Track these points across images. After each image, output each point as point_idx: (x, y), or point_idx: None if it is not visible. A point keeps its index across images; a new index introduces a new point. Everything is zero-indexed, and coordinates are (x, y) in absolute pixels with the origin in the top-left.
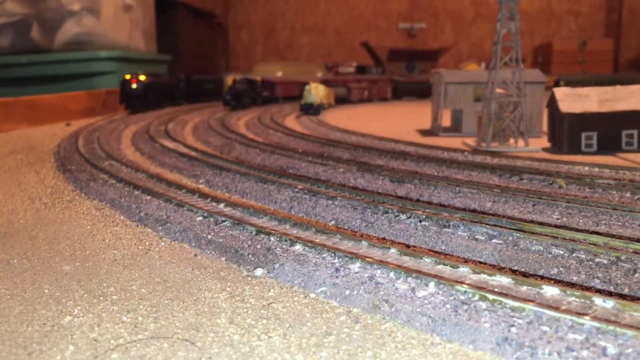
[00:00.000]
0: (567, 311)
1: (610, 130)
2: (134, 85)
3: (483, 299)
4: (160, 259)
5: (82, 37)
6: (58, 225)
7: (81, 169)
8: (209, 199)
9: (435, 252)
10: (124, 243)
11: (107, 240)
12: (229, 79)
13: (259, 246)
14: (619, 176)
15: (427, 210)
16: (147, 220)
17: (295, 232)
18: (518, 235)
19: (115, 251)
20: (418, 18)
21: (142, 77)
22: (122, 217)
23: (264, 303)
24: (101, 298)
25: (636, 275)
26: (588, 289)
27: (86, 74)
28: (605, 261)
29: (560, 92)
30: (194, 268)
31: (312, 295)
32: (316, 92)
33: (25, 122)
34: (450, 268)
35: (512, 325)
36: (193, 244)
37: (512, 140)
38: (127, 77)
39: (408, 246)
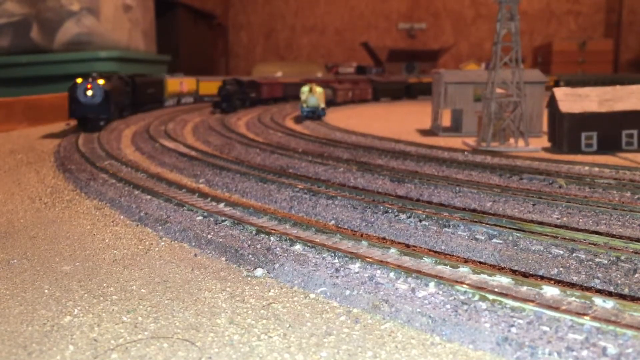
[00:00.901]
0: (567, 311)
1: (610, 130)
2: (90, 93)
3: (483, 299)
4: (160, 259)
5: (81, 37)
6: (58, 225)
7: (81, 169)
8: (209, 199)
9: (435, 252)
10: (124, 243)
11: (107, 240)
12: (169, 82)
13: (259, 246)
14: (619, 176)
15: (427, 210)
16: (147, 220)
17: (295, 231)
18: (518, 235)
19: (115, 251)
20: (418, 18)
21: (101, 81)
22: (122, 217)
23: (264, 303)
24: (101, 298)
25: (636, 275)
26: (588, 289)
27: (86, 74)
28: (605, 261)
29: (560, 92)
30: (194, 268)
31: (312, 296)
32: (318, 95)
33: (26, 122)
34: (450, 268)
35: (512, 325)
36: (193, 244)
37: (512, 140)
38: (79, 80)
39: (408, 246)
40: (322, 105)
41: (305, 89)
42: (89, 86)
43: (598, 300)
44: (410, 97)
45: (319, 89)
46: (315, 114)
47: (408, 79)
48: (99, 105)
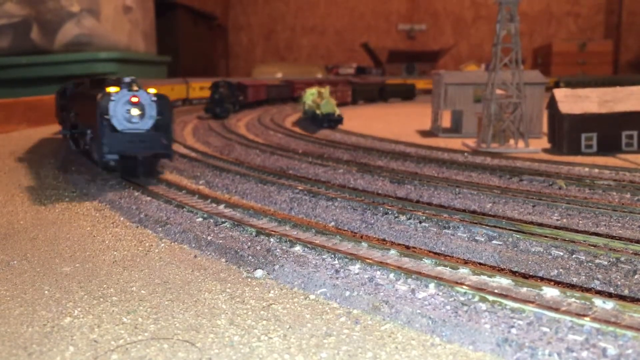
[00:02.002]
0: (567, 312)
1: (610, 131)
2: (137, 112)
3: (483, 300)
4: (160, 260)
5: (81, 38)
6: (58, 227)
7: (81, 170)
8: (209, 200)
9: (435, 253)
10: (124, 244)
11: (107, 242)
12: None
13: (258, 247)
14: (618, 177)
15: (427, 212)
16: (147, 222)
17: (295, 233)
18: (518, 236)
19: (115, 252)
20: (418, 19)
21: (152, 90)
22: (122, 218)
23: (264, 304)
24: (101, 299)
25: (636, 277)
26: (588, 290)
27: (86, 75)
28: (605, 262)
29: (560, 93)
30: (194, 269)
31: (312, 297)
32: (331, 99)
33: (26, 123)
34: (450, 269)
35: (512, 327)
36: (193, 245)
37: (512, 141)
38: (113, 89)
39: (408, 247)
40: (339, 112)
41: (311, 91)
42: (134, 100)
43: (598, 302)
44: (383, 99)
45: (327, 92)
46: (332, 122)
47: (385, 81)
48: (151, 133)
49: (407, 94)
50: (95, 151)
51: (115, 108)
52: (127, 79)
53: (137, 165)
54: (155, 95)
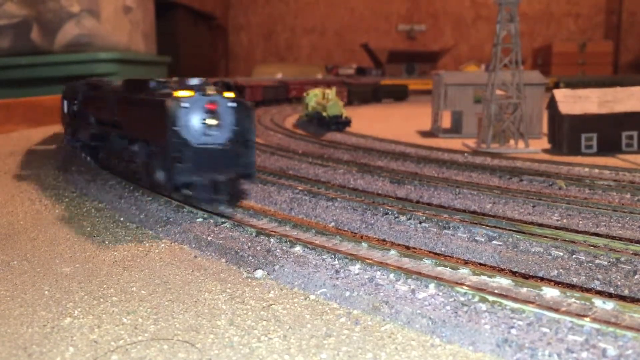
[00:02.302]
0: (567, 313)
1: (610, 132)
2: (215, 121)
3: (483, 300)
4: (160, 261)
5: (82, 38)
6: (58, 227)
7: (81, 170)
8: None
9: (435, 253)
10: (124, 244)
11: (107, 242)
12: None
13: (259, 248)
14: (618, 177)
15: (427, 212)
16: (147, 222)
17: (295, 233)
18: (518, 236)
19: (115, 253)
20: (418, 20)
21: (229, 94)
22: (122, 219)
23: (264, 304)
24: (101, 300)
25: (636, 277)
26: (588, 290)
27: (86, 75)
28: (605, 263)
29: (560, 94)
30: (194, 269)
31: (312, 297)
32: (339, 102)
33: (25, 123)
34: (450, 270)
35: (512, 327)
36: (193, 246)
37: (512, 142)
38: (184, 94)
39: (408, 248)
40: (345, 112)
41: (315, 92)
42: (211, 106)
43: (598, 302)
44: (377, 100)
45: (332, 93)
46: (340, 125)
47: (379, 82)
48: (230, 148)
49: (400, 95)
50: (160, 172)
51: (187, 117)
52: (196, 81)
53: (215, 190)
54: (233, 100)
